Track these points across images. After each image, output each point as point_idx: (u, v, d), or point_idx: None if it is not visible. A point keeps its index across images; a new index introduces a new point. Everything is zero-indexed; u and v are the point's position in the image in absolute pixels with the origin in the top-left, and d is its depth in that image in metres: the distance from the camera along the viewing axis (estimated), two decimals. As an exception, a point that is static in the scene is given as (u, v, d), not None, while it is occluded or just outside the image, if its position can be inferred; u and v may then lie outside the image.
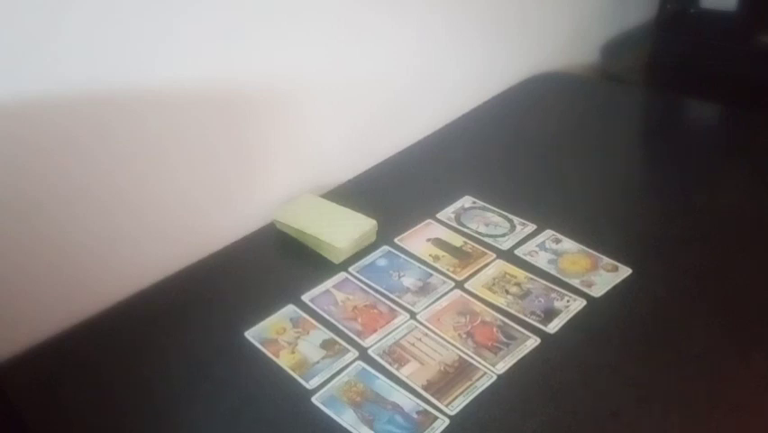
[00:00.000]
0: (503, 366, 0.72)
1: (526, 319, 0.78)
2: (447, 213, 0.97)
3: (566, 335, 0.75)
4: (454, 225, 0.95)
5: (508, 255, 0.88)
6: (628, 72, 1.43)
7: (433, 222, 0.95)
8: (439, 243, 0.91)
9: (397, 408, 0.69)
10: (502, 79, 1.30)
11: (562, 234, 0.90)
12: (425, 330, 0.78)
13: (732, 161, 1.06)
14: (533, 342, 0.75)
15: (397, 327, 0.79)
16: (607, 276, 0.83)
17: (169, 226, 0.88)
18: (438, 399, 0.69)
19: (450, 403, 0.69)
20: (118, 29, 0.74)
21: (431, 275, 0.86)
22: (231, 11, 0.83)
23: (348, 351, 0.76)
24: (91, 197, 0.80)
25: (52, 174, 0.75)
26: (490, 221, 0.95)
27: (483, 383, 0.70)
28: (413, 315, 0.80)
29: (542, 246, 0.89)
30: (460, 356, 0.74)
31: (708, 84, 1.26)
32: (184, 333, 0.79)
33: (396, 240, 0.92)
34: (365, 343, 0.77)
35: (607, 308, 0.78)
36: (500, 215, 0.95)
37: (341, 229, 0.90)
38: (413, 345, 0.76)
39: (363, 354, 0.75)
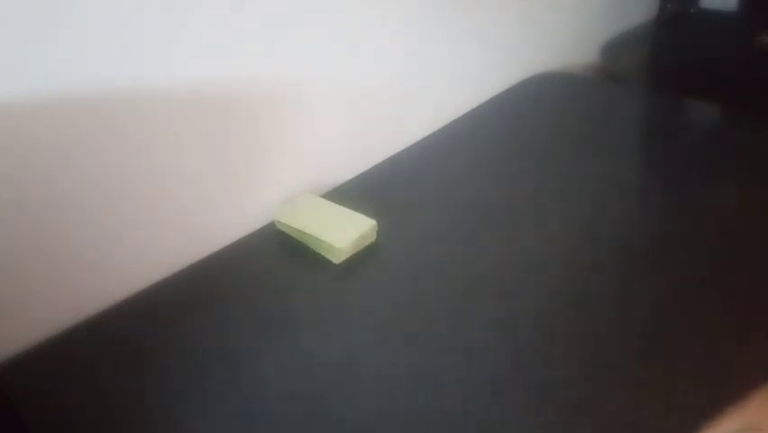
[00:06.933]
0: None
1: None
2: (447, 213, 0.97)
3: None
4: (454, 225, 0.95)
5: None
6: (628, 72, 1.43)
7: (433, 222, 0.95)
8: (439, 243, 0.91)
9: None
10: (502, 79, 1.30)
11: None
12: (425, 330, 0.78)
13: (732, 162, 1.06)
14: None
15: (397, 327, 0.79)
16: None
17: (169, 227, 0.88)
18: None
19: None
20: (124, 28, 0.75)
21: (431, 275, 0.86)
22: (231, 11, 0.84)
23: (348, 351, 0.76)
24: (95, 195, 0.79)
25: (55, 172, 0.75)
26: (490, 221, 0.95)
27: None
28: (413, 315, 0.80)
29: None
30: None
31: (708, 84, 1.26)
32: (184, 333, 0.79)
33: (396, 240, 0.92)
34: (365, 343, 0.77)
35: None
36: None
37: (341, 229, 0.89)
38: (413, 345, 0.76)
39: (363, 355, 0.75)
